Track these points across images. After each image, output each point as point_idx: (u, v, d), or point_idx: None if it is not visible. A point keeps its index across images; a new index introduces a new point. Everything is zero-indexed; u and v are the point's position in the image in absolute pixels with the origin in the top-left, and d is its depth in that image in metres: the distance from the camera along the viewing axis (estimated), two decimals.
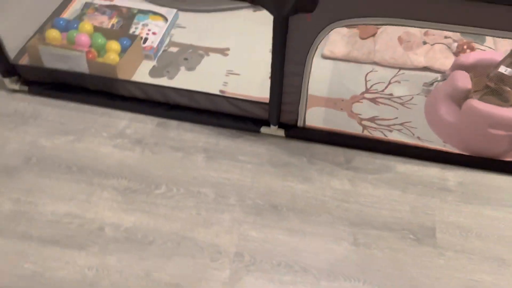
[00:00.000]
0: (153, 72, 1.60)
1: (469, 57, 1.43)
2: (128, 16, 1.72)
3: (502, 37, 1.09)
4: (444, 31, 1.65)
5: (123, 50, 1.52)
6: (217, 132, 1.45)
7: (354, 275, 1.14)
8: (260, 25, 1.73)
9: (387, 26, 1.41)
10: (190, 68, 1.63)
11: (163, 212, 1.25)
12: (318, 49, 1.21)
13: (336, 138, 1.41)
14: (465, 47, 1.62)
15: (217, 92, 1.54)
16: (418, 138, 1.42)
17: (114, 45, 1.49)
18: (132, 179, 1.32)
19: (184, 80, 1.59)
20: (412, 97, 1.53)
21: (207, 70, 1.63)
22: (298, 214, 1.25)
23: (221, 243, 1.20)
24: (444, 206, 1.27)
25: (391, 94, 1.55)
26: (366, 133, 1.43)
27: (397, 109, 1.51)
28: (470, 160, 1.35)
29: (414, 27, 1.09)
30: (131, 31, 1.67)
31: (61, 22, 1.56)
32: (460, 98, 1.36)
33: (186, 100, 1.46)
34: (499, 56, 1.40)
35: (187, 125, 1.46)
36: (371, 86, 1.57)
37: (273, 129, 1.42)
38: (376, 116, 1.48)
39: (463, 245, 1.19)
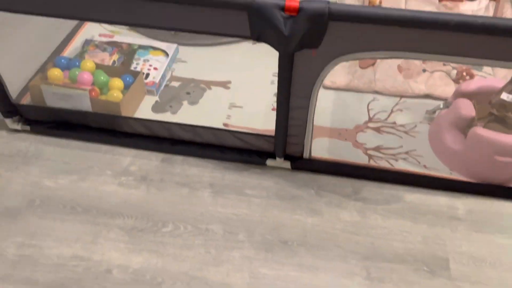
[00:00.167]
0: (156, 108, 1.60)
1: (470, 85, 1.44)
2: (129, 52, 1.73)
3: (502, 67, 1.11)
4: None
5: (126, 87, 1.52)
6: (223, 166, 1.44)
7: None
8: (260, 57, 1.75)
9: None
10: (193, 102, 1.63)
11: (171, 251, 1.23)
12: None
13: (342, 169, 1.41)
14: (464, 73, 1.64)
15: (221, 126, 1.54)
16: (425, 166, 1.41)
17: (117, 83, 1.49)
18: (139, 218, 1.30)
19: (187, 114, 1.59)
20: (416, 125, 1.54)
21: (210, 104, 1.63)
22: (309, 249, 1.23)
23: (232, 282, 1.17)
24: (456, 236, 1.26)
25: (394, 123, 1.55)
26: (372, 163, 1.43)
27: (401, 137, 1.51)
28: (478, 187, 1.35)
29: (418, 59, 1.10)
30: (132, 67, 1.68)
31: (63, 60, 1.57)
32: (464, 126, 1.37)
33: (190, 135, 1.46)
34: (500, 82, 1.42)
35: (192, 160, 1.45)
36: (374, 115, 1.58)
37: (279, 162, 1.42)
38: (381, 145, 1.48)
39: (478, 276, 1.18)
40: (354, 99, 1.64)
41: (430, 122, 1.53)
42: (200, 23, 1.15)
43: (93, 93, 1.46)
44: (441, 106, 1.52)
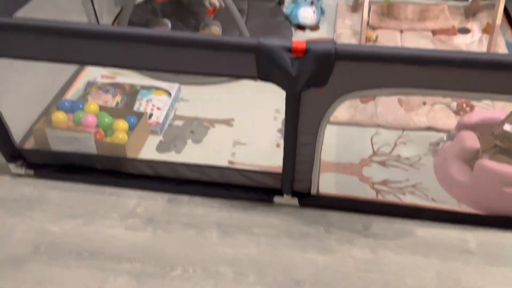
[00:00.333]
0: (160, 147, 1.60)
1: (473, 117, 1.46)
2: (131, 92, 1.74)
3: (506, 101, 1.12)
4: None
5: (131, 128, 1.52)
6: (229, 205, 1.42)
7: None
8: (261, 94, 1.77)
9: None
10: (197, 141, 1.63)
11: None
12: None
13: (351, 204, 1.40)
14: (464, 105, 1.66)
15: (226, 163, 1.54)
16: (433, 199, 1.41)
17: (122, 124, 1.49)
18: (146, 262, 1.27)
19: (191, 153, 1.58)
20: (420, 158, 1.55)
21: (214, 142, 1.63)
22: None
23: None
24: (469, 270, 1.25)
25: (398, 156, 1.56)
26: (380, 197, 1.43)
27: (407, 170, 1.51)
28: (488, 219, 1.34)
29: (423, 95, 1.11)
30: (135, 108, 1.68)
31: (66, 103, 1.57)
32: (470, 158, 1.38)
33: (196, 174, 1.45)
34: (501, 114, 1.44)
35: (198, 199, 1.44)
36: (378, 149, 1.59)
37: (287, 199, 1.41)
38: (388, 179, 1.48)
39: None
40: (357, 133, 1.65)
41: (434, 155, 1.54)
42: (206, 65, 1.16)
43: (98, 136, 1.46)
44: (445, 138, 1.53)
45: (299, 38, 2.12)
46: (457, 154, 1.40)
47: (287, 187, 1.38)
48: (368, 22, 1.94)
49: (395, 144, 1.60)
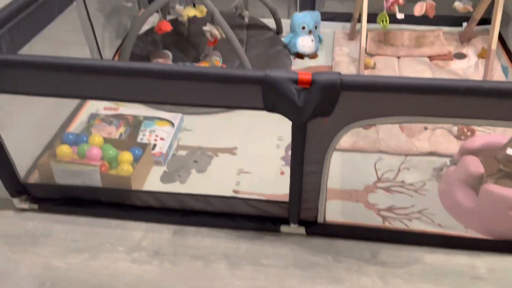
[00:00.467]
0: (165, 178, 1.60)
1: (475, 142, 1.47)
2: (135, 123, 1.75)
3: (509, 127, 1.14)
4: None
5: (135, 160, 1.52)
6: (236, 235, 1.41)
7: None
8: (264, 121, 1.76)
9: None
10: (201, 170, 1.63)
11: None
12: None
13: (358, 232, 1.39)
14: (465, 130, 1.68)
15: (231, 193, 1.54)
16: (439, 225, 1.41)
17: (127, 156, 1.49)
18: None
19: (196, 183, 1.58)
20: (424, 183, 1.55)
21: (218, 171, 1.63)
22: None
23: None
24: None
25: (403, 182, 1.56)
26: (386, 224, 1.42)
27: (412, 196, 1.51)
28: (496, 244, 1.34)
29: (428, 123, 1.13)
30: (138, 139, 1.69)
31: (70, 136, 1.57)
32: (474, 183, 1.38)
33: (202, 204, 1.44)
34: (503, 138, 1.45)
35: (204, 231, 1.43)
36: (382, 175, 1.59)
37: (294, 228, 1.40)
38: (393, 206, 1.48)
39: None
40: (361, 160, 1.66)
41: (438, 180, 1.55)
42: (213, 98, 1.17)
43: (103, 168, 1.45)
44: (448, 163, 1.54)
45: (299, 66, 2.17)
46: (461, 179, 1.41)
47: (293, 216, 1.37)
48: (365, 49, 1.98)
49: (399, 170, 1.61)
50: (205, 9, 1.93)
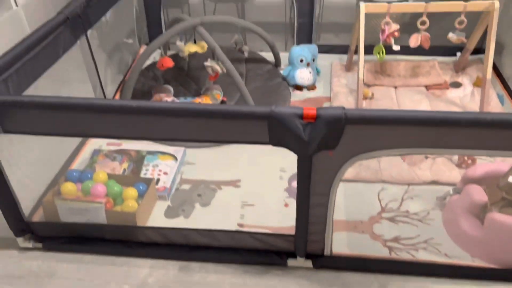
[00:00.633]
0: (169, 213, 1.59)
1: (476, 171, 1.49)
2: (138, 158, 1.76)
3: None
4: None
5: (140, 195, 1.52)
6: (243, 270, 1.40)
7: None
8: (266, 153, 1.77)
9: None
10: (205, 204, 1.63)
11: None
12: None
13: (365, 264, 1.39)
14: (466, 158, 1.70)
15: (235, 226, 1.53)
16: (446, 255, 1.41)
17: (132, 192, 1.50)
18: None
19: (200, 217, 1.58)
20: (428, 213, 1.56)
21: (222, 204, 1.63)
22: None
23: None
24: None
25: (407, 211, 1.57)
26: (393, 255, 1.42)
27: (417, 226, 1.52)
28: (504, 273, 1.33)
29: (431, 154, 1.14)
30: (142, 174, 1.69)
31: (75, 173, 1.57)
32: (479, 212, 1.39)
33: (207, 239, 1.44)
34: (504, 166, 1.47)
35: (210, 266, 1.42)
36: (386, 205, 1.60)
37: (301, 261, 1.39)
38: (399, 236, 1.48)
39: None
40: (364, 190, 1.67)
41: (442, 209, 1.56)
42: (218, 133, 1.19)
43: (107, 205, 1.45)
44: (451, 192, 1.55)
45: (298, 97, 2.20)
46: (466, 208, 1.41)
47: (300, 249, 1.37)
48: (363, 80, 2.02)
49: (402, 200, 1.62)
50: (206, 45, 1.97)
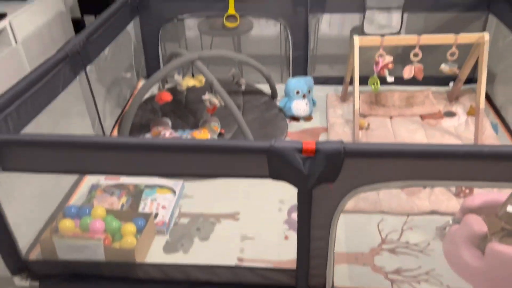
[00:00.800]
0: (167, 248, 1.58)
1: (475, 200, 1.50)
2: (136, 193, 1.75)
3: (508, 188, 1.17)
4: None
5: (138, 231, 1.51)
6: None
7: None
8: (264, 185, 1.76)
9: None
10: (204, 238, 1.62)
11: None
12: None
13: None
14: (463, 187, 1.71)
15: (235, 261, 1.52)
16: (448, 287, 1.40)
17: (130, 228, 1.48)
18: None
19: (199, 252, 1.56)
20: (429, 243, 1.55)
21: (221, 238, 1.62)
22: None
23: None
24: None
25: (407, 242, 1.56)
26: (395, 287, 1.41)
27: (418, 257, 1.51)
28: None
29: (430, 186, 1.15)
30: (140, 208, 1.68)
31: (73, 209, 1.56)
32: (479, 242, 1.39)
33: (207, 275, 1.42)
34: (502, 195, 1.48)
35: None
36: (386, 236, 1.59)
37: None
38: (400, 268, 1.47)
39: None
40: (363, 221, 1.67)
41: (442, 239, 1.55)
42: (218, 168, 1.19)
43: (106, 241, 1.44)
44: (450, 222, 1.55)
45: (295, 128, 2.22)
46: (466, 239, 1.41)
47: (302, 283, 1.35)
48: (359, 111, 2.04)
49: (402, 230, 1.62)
50: (203, 79, 2.00)
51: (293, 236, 1.29)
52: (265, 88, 2.43)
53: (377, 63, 1.98)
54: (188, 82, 2.00)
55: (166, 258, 1.53)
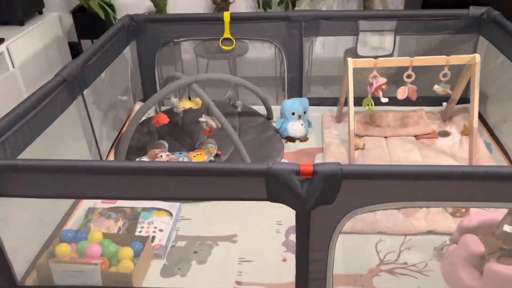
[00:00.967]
0: (165, 272, 1.56)
1: (472, 220, 1.50)
2: (133, 216, 1.74)
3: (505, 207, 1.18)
4: None
5: (136, 255, 1.50)
6: None
7: None
8: (261, 206, 1.75)
9: None
10: (201, 262, 1.60)
11: None
12: None
13: None
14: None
15: (234, 284, 1.51)
16: None
17: (127, 252, 1.47)
18: None
19: (197, 275, 1.55)
20: (427, 264, 1.55)
21: (219, 261, 1.61)
22: None
23: None
24: None
25: (405, 263, 1.56)
26: None
27: (416, 278, 1.50)
28: None
29: (428, 207, 1.16)
30: (137, 231, 1.67)
31: (69, 234, 1.55)
32: (477, 262, 1.39)
33: None
34: (498, 214, 1.49)
35: None
36: (384, 257, 1.59)
37: None
38: None
39: None
40: (361, 242, 1.66)
41: (440, 259, 1.55)
42: (216, 191, 1.20)
43: (103, 266, 1.42)
44: (448, 242, 1.55)
45: (291, 149, 2.23)
46: (463, 259, 1.41)
47: None
48: (354, 131, 2.06)
49: (400, 251, 1.61)
50: (200, 101, 2.02)
51: (291, 258, 1.29)
52: (261, 109, 2.45)
53: (371, 85, 2.01)
54: (185, 104, 2.01)
55: (163, 282, 1.52)
